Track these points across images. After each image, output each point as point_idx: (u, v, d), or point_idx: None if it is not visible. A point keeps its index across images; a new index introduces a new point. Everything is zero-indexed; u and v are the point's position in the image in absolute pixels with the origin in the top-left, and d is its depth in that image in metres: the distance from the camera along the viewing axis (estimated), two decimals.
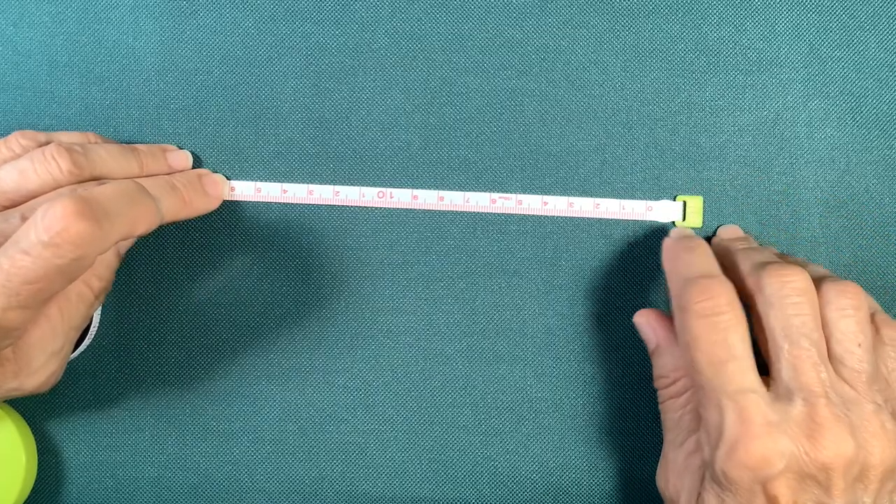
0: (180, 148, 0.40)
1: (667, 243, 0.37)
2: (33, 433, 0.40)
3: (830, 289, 0.33)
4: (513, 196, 0.40)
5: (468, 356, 0.40)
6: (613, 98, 0.40)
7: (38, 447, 0.40)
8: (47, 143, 0.35)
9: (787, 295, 0.33)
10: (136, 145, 0.38)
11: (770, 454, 0.31)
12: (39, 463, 0.40)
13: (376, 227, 0.40)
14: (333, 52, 0.40)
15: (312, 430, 0.41)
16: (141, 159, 0.37)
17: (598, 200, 0.40)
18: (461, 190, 0.40)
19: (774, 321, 0.33)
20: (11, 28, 0.40)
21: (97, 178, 0.35)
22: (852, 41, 0.40)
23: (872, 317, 0.35)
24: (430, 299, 0.40)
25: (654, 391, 0.40)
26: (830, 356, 0.33)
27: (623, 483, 0.41)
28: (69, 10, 0.40)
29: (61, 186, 0.34)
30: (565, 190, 0.40)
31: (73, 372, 0.40)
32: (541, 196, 0.40)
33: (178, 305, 0.40)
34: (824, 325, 0.33)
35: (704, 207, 0.40)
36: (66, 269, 0.28)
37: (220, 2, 0.40)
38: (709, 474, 0.33)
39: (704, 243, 0.36)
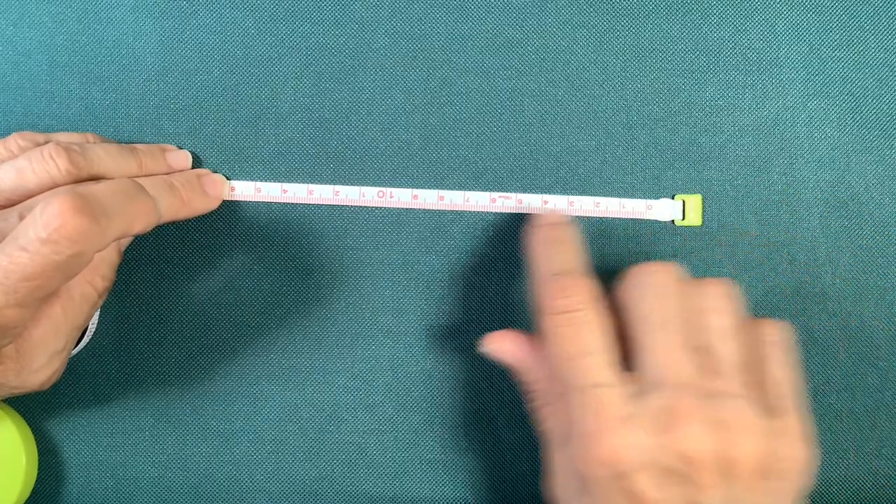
0: (180, 148, 0.40)
1: (533, 229, 0.36)
2: (33, 433, 0.40)
3: (705, 284, 0.33)
4: (513, 195, 0.40)
5: (468, 356, 0.40)
6: (613, 98, 0.40)
7: (38, 447, 0.40)
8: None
9: (655, 285, 0.33)
10: (136, 145, 0.38)
11: (620, 449, 0.30)
12: (39, 463, 0.40)
13: (376, 227, 0.40)
14: (333, 52, 0.40)
15: (312, 430, 0.41)
16: (140, 159, 0.37)
17: (598, 199, 0.40)
18: (461, 189, 0.40)
19: (640, 311, 0.33)
20: (11, 28, 0.40)
21: (95, 178, 0.35)
22: (852, 41, 0.40)
23: (753, 321, 0.34)
24: (430, 299, 0.40)
25: None
26: (700, 350, 0.32)
27: None
28: (69, 10, 0.40)
29: (59, 186, 0.34)
30: (565, 190, 0.40)
31: (73, 372, 0.40)
32: (541, 195, 0.40)
33: (178, 305, 0.40)
34: (697, 320, 0.33)
35: (704, 207, 0.40)
36: (64, 265, 0.28)
37: (220, 2, 0.40)
38: (579, 480, 0.32)
39: (570, 232, 0.36)
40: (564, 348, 0.32)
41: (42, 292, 0.29)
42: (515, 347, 0.35)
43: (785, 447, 0.31)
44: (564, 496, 0.33)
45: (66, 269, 0.28)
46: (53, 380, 0.34)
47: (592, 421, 0.30)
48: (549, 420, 0.34)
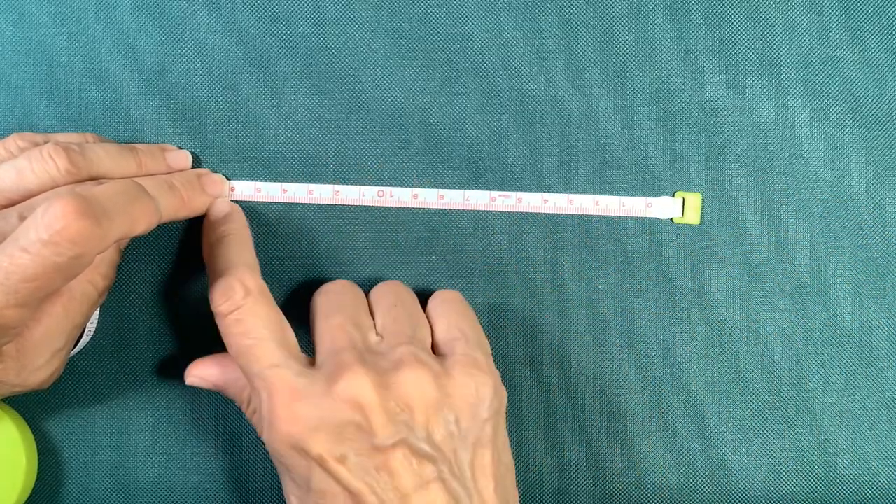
0: (180, 148, 0.40)
1: (202, 229, 0.38)
2: (33, 433, 0.40)
3: (375, 287, 0.37)
4: (512, 194, 0.40)
5: None
6: (613, 98, 0.40)
7: (38, 447, 0.40)
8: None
9: (328, 291, 0.36)
10: (135, 145, 0.38)
11: (292, 419, 0.31)
12: (39, 463, 0.40)
13: (376, 226, 0.40)
14: (333, 52, 0.40)
15: None
16: (139, 158, 0.37)
17: (597, 198, 0.40)
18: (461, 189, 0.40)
19: (315, 309, 0.36)
20: (11, 28, 0.40)
21: (95, 178, 0.35)
22: (852, 41, 0.40)
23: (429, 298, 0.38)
24: None
25: (652, 391, 0.40)
26: (365, 326, 0.35)
27: (623, 483, 0.41)
28: (69, 10, 0.40)
29: (59, 186, 0.34)
30: (565, 190, 0.40)
31: (73, 372, 0.40)
32: (541, 194, 0.40)
33: (178, 306, 0.40)
34: (363, 307, 0.36)
35: (704, 207, 0.40)
36: (65, 267, 0.28)
37: (220, 2, 0.40)
38: (282, 466, 0.33)
39: (234, 226, 0.37)
40: (237, 342, 0.33)
41: (42, 293, 0.29)
42: (211, 369, 0.36)
43: (452, 382, 0.33)
44: (284, 491, 0.34)
45: (67, 271, 0.28)
46: (54, 378, 0.34)
47: (267, 401, 0.32)
48: (259, 426, 0.35)
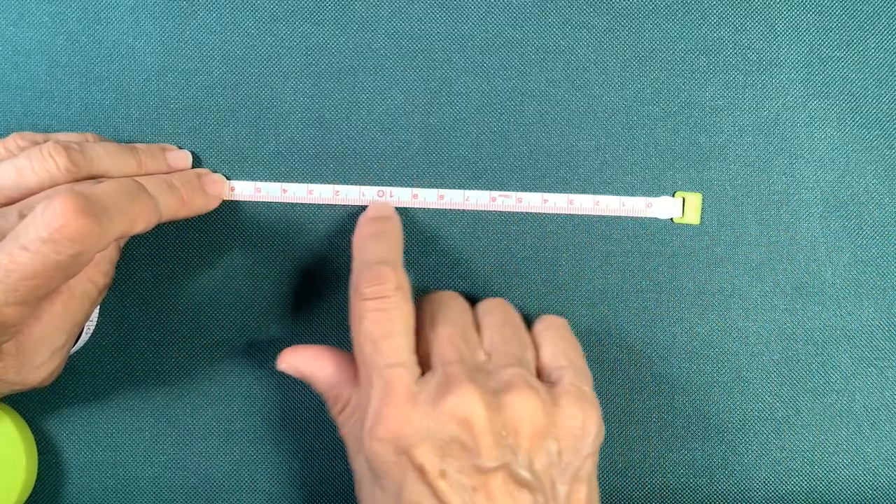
0: (180, 148, 0.40)
1: (361, 221, 0.38)
2: (33, 433, 0.40)
3: (482, 301, 0.38)
4: (512, 194, 0.40)
5: None
6: (613, 98, 0.40)
7: (38, 447, 0.40)
8: None
9: (439, 300, 0.37)
10: (135, 144, 0.38)
11: (401, 423, 0.31)
12: (39, 463, 0.40)
13: None
14: (333, 52, 0.40)
15: (312, 430, 0.41)
16: (139, 158, 0.37)
17: (597, 197, 0.40)
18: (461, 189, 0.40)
19: (428, 314, 0.36)
20: (11, 28, 0.40)
21: (95, 177, 0.35)
22: (852, 41, 0.40)
23: (535, 321, 0.38)
24: None
25: (652, 391, 0.40)
26: (475, 341, 0.35)
27: (623, 483, 0.41)
28: (69, 10, 0.40)
29: (59, 184, 0.34)
30: (565, 190, 0.40)
31: (72, 371, 0.40)
32: (541, 194, 0.40)
33: (178, 305, 0.40)
34: (473, 322, 0.36)
35: (704, 207, 0.40)
36: (65, 265, 0.28)
37: (220, 2, 0.40)
38: (370, 470, 0.32)
39: (392, 226, 0.37)
40: (372, 330, 0.33)
41: (42, 291, 0.29)
42: (308, 360, 0.36)
43: (559, 412, 0.32)
44: (364, 496, 0.34)
45: (67, 269, 0.28)
46: (54, 377, 0.34)
47: (381, 400, 0.32)
48: (346, 424, 0.35)
